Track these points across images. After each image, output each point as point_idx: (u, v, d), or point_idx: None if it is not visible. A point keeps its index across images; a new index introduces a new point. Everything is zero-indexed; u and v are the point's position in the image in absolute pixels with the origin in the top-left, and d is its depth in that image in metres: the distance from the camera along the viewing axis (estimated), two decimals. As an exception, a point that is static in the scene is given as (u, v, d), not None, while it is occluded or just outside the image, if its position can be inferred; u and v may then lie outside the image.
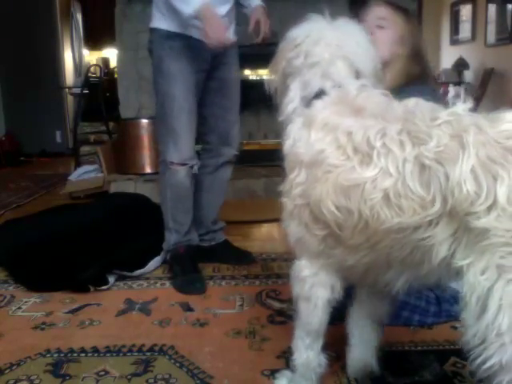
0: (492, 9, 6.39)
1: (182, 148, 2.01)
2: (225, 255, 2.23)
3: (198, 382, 1.35)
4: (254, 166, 3.68)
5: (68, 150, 5.65)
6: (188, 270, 2.01)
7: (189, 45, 1.96)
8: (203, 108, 2.11)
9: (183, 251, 2.08)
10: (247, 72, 3.79)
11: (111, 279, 2.00)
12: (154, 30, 2.02)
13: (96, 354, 1.50)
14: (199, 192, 2.18)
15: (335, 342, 1.53)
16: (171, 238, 2.09)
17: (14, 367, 1.44)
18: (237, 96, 2.18)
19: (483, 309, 0.87)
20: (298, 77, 1.27)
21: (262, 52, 3.81)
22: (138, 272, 2.08)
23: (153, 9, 2.02)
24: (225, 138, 2.16)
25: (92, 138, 5.46)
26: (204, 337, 1.60)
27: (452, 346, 1.50)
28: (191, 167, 2.05)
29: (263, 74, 3.81)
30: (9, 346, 1.56)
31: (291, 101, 1.26)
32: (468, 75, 6.90)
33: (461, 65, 6.79)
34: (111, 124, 4.45)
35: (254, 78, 3.84)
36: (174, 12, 1.90)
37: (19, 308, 1.83)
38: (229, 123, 2.16)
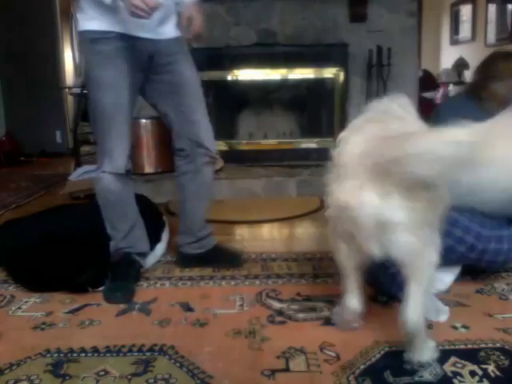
0: (492, 9, 6.39)
1: (116, 159, 1.88)
2: (215, 261, 2.17)
3: (198, 381, 1.35)
4: (254, 165, 3.68)
5: (68, 150, 5.64)
6: (116, 278, 1.94)
7: (122, 46, 1.83)
8: (164, 116, 2.03)
9: (118, 258, 2.00)
10: (247, 72, 3.79)
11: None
12: (81, 34, 1.87)
13: (96, 354, 1.50)
14: (183, 200, 2.13)
15: (335, 342, 1.53)
16: (111, 244, 2.03)
17: (14, 367, 1.43)
18: (196, 93, 2.00)
19: None
20: None
21: (260, 52, 3.85)
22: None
23: (77, 13, 1.88)
24: (195, 140, 2.01)
25: (92, 138, 5.45)
26: (204, 337, 1.59)
27: (452, 346, 1.50)
28: (122, 174, 1.92)
29: (263, 74, 3.81)
30: (9, 346, 1.56)
31: None
32: (468, 75, 6.90)
33: (461, 65, 6.79)
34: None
35: (254, 78, 3.84)
36: (98, 6, 1.77)
37: (19, 308, 1.83)
38: (195, 124, 2.00)
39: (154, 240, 2.20)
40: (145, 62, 1.88)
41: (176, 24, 1.93)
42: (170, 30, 1.91)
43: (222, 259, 2.19)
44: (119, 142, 1.88)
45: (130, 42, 1.82)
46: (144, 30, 1.83)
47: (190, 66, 1.99)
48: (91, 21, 1.81)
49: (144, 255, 2.09)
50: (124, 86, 1.85)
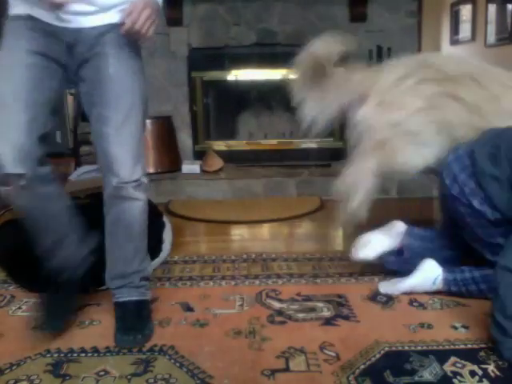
0: (492, 9, 6.38)
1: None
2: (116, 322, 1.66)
3: (198, 381, 1.35)
4: (254, 165, 3.68)
5: (68, 150, 5.64)
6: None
7: (33, 32, 1.48)
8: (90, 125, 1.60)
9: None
10: (247, 72, 3.79)
11: (111, 279, 2.00)
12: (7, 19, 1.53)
13: (96, 354, 1.50)
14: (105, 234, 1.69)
15: (335, 342, 1.53)
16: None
17: (14, 367, 1.43)
18: (121, 100, 1.52)
19: None
20: None
21: (260, 52, 3.84)
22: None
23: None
24: (107, 162, 1.53)
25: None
26: (204, 337, 1.60)
27: (452, 346, 1.50)
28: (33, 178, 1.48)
29: (263, 74, 3.81)
30: (9, 346, 1.56)
31: None
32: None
33: (461, 65, 6.78)
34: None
35: (254, 78, 3.84)
36: None
37: (19, 308, 1.83)
38: (109, 140, 1.52)
39: (155, 241, 2.20)
40: (63, 53, 1.51)
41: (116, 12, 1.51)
42: (98, 18, 1.50)
43: (118, 328, 1.63)
44: (14, 139, 1.42)
45: (45, 28, 1.48)
46: (60, 16, 1.47)
47: (118, 60, 1.52)
48: (14, 6, 1.51)
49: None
50: (24, 74, 1.45)
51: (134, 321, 1.62)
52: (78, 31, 1.49)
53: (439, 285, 1.79)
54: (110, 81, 1.51)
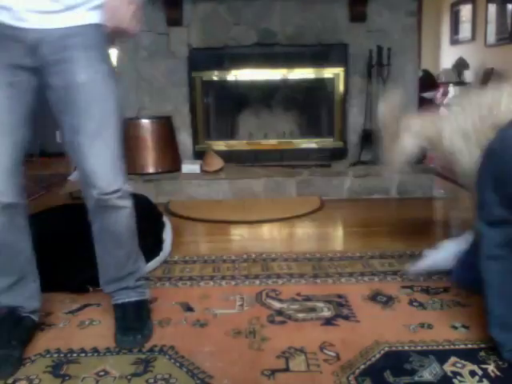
0: (492, 9, 6.38)
1: None
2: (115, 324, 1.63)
3: (198, 382, 1.35)
4: (254, 165, 3.68)
5: (68, 150, 5.64)
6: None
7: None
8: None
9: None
10: (247, 72, 3.79)
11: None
12: None
13: (96, 354, 1.50)
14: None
15: (335, 342, 1.53)
16: None
17: (14, 367, 1.44)
18: (94, 107, 1.41)
19: None
20: None
21: (260, 52, 3.84)
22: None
23: None
24: (85, 174, 1.46)
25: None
26: (204, 337, 1.59)
27: (452, 346, 1.50)
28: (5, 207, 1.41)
29: (263, 74, 3.81)
30: (9, 346, 1.56)
31: None
32: (468, 75, 6.90)
33: (461, 65, 6.78)
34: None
35: (254, 78, 3.84)
36: None
37: (19, 308, 1.82)
38: (83, 151, 1.43)
39: (154, 241, 2.20)
40: (26, 56, 1.37)
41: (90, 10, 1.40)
42: (63, 17, 1.37)
43: (118, 328, 1.61)
44: None
45: (3, 32, 1.36)
46: (19, 15, 1.33)
47: (92, 67, 1.41)
48: None
49: (35, 312, 1.61)
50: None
51: (134, 321, 1.60)
52: (40, 32, 1.36)
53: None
54: (81, 87, 1.40)
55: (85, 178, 1.47)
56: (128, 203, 1.55)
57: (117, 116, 1.47)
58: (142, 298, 1.69)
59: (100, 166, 1.44)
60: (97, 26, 1.40)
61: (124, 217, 1.55)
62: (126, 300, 1.66)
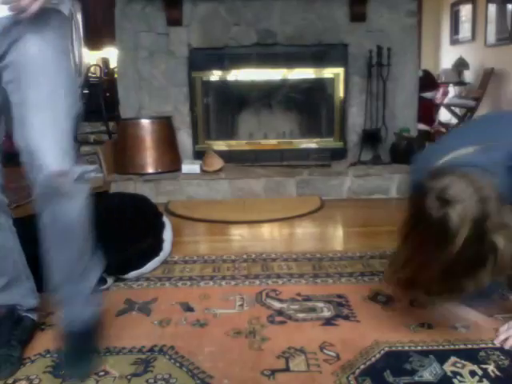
0: (492, 9, 6.38)
1: None
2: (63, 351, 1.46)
3: (198, 382, 1.35)
4: (254, 165, 3.68)
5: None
6: None
7: None
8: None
9: None
10: (247, 72, 3.79)
11: (110, 280, 2.00)
12: None
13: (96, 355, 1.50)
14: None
15: (335, 342, 1.53)
16: None
17: (14, 367, 1.44)
18: (44, 78, 1.30)
19: None
20: None
21: (260, 52, 3.84)
22: (135, 273, 2.07)
23: None
24: (29, 153, 1.29)
25: (92, 138, 5.46)
26: (204, 337, 1.59)
27: (452, 346, 1.50)
28: None
29: (263, 74, 3.81)
30: (9, 346, 1.56)
31: None
32: (468, 75, 6.90)
33: (461, 65, 6.78)
34: (111, 124, 4.45)
35: (254, 78, 3.84)
36: None
37: (19, 308, 1.82)
38: (29, 125, 1.29)
39: (154, 241, 2.20)
40: None
41: None
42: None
43: (66, 358, 1.44)
44: None
45: None
46: None
47: (45, 41, 1.32)
48: None
49: (33, 310, 1.59)
50: None
51: (86, 343, 1.44)
52: None
53: None
54: (31, 60, 1.29)
55: (29, 158, 1.29)
56: (81, 193, 1.35)
57: (70, 94, 1.35)
58: (95, 313, 1.50)
59: (46, 141, 1.28)
60: (49, 9, 1.30)
61: (77, 207, 1.34)
62: (78, 318, 1.45)
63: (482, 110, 5.80)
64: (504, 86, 6.04)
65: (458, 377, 1.34)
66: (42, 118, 1.29)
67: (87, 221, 1.40)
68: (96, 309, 1.50)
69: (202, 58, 3.71)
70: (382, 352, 1.47)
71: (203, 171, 3.54)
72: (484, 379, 1.33)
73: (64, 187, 1.29)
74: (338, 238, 2.82)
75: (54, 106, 1.30)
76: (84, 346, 1.44)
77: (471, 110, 5.99)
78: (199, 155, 3.74)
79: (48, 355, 1.50)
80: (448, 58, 7.48)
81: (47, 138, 1.28)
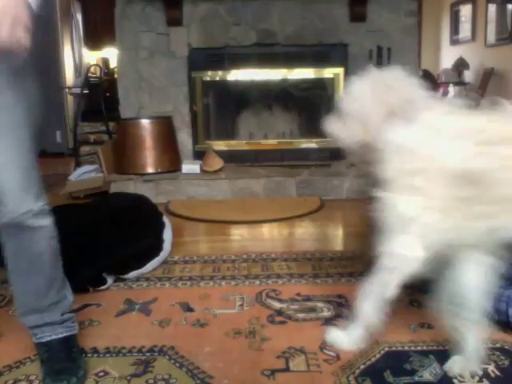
0: (492, 9, 6.39)
1: None
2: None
3: (198, 382, 1.35)
4: (254, 165, 3.68)
5: (68, 150, 5.64)
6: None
7: None
8: None
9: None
10: (247, 72, 3.79)
11: (110, 280, 2.00)
12: None
13: (95, 355, 1.50)
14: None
15: (335, 342, 1.53)
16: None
17: (14, 368, 1.43)
18: (8, 121, 1.26)
19: None
20: None
21: (260, 52, 3.84)
22: (135, 273, 2.07)
23: None
24: None
25: (92, 138, 5.46)
26: (204, 337, 1.59)
27: (452, 346, 1.50)
28: None
29: (263, 74, 3.80)
30: (8, 347, 1.56)
31: None
32: (468, 75, 6.90)
33: (461, 65, 6.79)
34: (111, 124, 4.45)
35: (254, 78, 3.84)
36: None
37: (19, 308, 1.82)
38: None
39: (154, 241, 2.20)
40: None
41: None
42: None
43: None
44: None
45: None
46: None
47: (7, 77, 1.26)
48: None
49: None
50: None
51: (65, 361, 1.38)
52: None
53: None
54: None
55: None
56: (46, 222, 1.35)
57: (27, 127, 1.33)
58: (71, 333, 1.46)
59: (6, 182, 1.27)
60: None
61: (42, 238, 1.35)
62: (53, 337, 1.42)
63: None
64: (504, 86, 6.04)
65: (458, 377, 1.34)
66: (9, 158, 1.27)
67: (53, 250, 1.41)
68: (68, 333, 1.45)
69: (202, 58, 3.71)
70: (382, 352, 1.47)
71: (203, 171, 3.54)
72: (484, 379, 1.33)
73: (26, 222, 1.30)
74: (337, 237, 2.82)
75: (11, 147, 1.27)
76: (60, 361, 1.39)
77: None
78: (199, 155, 3.74)
79: (48, 355, 1.49)
80: (448, 58, 7.48)
81: (5, 177, 1.27)
